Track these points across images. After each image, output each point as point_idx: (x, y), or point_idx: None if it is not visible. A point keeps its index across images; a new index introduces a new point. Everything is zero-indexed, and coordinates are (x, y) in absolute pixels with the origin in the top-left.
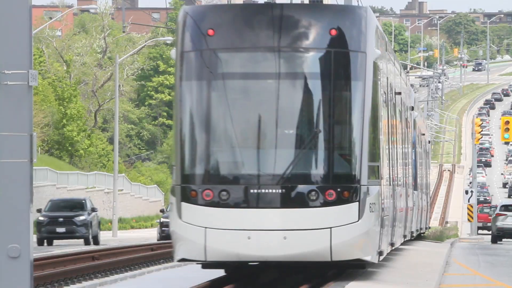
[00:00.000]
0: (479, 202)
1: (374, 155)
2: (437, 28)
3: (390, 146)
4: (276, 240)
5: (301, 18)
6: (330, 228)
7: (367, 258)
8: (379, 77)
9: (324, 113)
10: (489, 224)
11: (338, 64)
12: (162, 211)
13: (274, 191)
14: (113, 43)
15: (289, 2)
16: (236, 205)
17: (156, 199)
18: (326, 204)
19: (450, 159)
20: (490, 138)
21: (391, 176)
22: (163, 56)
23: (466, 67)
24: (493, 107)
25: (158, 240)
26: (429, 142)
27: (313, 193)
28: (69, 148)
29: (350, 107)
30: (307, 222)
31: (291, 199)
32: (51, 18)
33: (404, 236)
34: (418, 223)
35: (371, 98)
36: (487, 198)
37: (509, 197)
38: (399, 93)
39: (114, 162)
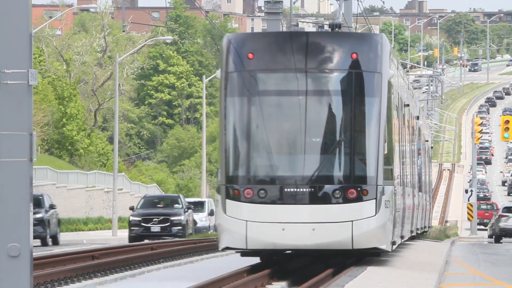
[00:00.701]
0: (478, 198)
1: (388, 160)
2: (437, 27)
3: (401, 152)
4: (306, 231)
5: (326, 44)
6: (352, 221)
7: (383, 246)
8: (392, 93)
9: (346, 124)
10: (486, 221)
11: (358, 83)
12: (132, 208)
13: (304, 190)
14: (113, 42)
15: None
16: (272, 202)
17: None
18: (348, 201)
19: (450, 158)
20: (489, 136)
21: (401, 178)
22: (163, 55)
23: (466, 66)
24: (494, 105)
25: (129, 242)
26: (432, 147)
27: (337, 191)
28: (69, 147)
29: (368, 119)
30: (332, 216)
31: (318, 197)
32: (51, 17)
33: (411, 232)
34: (422, 221)
35: (386, 112)
36: (487, 195)
37: (508, 194)
38: (408, 105)
39: (114, 161)
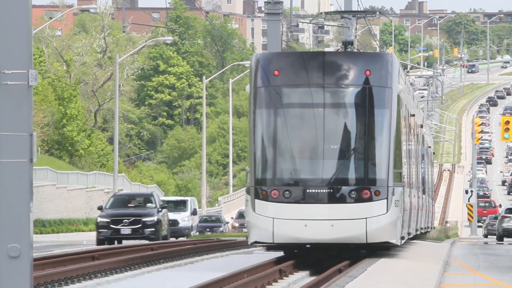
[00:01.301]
0: (478, 196)
1: (398, 164)
2: (437, 28)
3: (408, 157)
4: (326, 227)
5: (343, 62)
6: (366, 218)
7: (393, 241)
8: (400, 106)
9: (360, 133)
10: (484, 218)
11: (371, 96)
12: (100, 208)
13: (323, 191)
14: (113, 43)
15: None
16: (296, 201)
17: None
18: (362, 200)
19: (450, 159)
20: (489, 136)
21: (408, 181)
22: (163, 56)
23: (466, 67)
24: (495, 104)
25: (97, 244)
26: (434, 153)
27: (352, 192)
28: (69, 148)
29: (380, 128)
30: (349, 213)
31: (336, 197)
32: (51, 18)
33: (416, 230)
34: (426, 221)
35: (395, 122)
36: (486, 193)
37: (508, 194)
38: (413, 115)
39: (114, 162)
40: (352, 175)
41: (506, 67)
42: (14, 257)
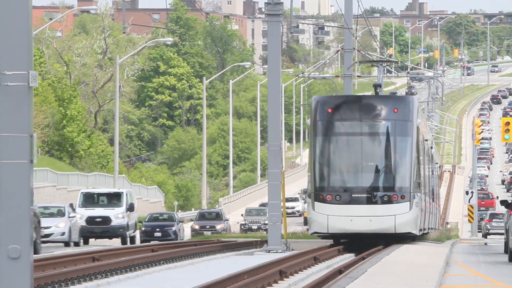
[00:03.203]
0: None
1: (417, 176)
2: (438, 29)
3: (423, 171)
4: (365, 221)
5: (378, 103)
6: (395, 215)
7: (415, 232)
8: (419, 134)
9: (390, 153)
10: (482, 209)
11: (398, 128)
12: (71, 205)
13: (364, 195)
14: (113, 44)
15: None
16: (344, 203)
17: (156, 199)
18: (392, 202)
19: (451, 160)
20: (489, 133)
21: (423, 189)
22: (163, 57)
23: (467, 68)
24: (499, 102)
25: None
26: (440, 166)
27: (385, 196)
28: (69, 149)
29: (404, 150)
30: (382, 212)
31: (373, 200)
32: (51, 19)
33: (428, 228)
34: (434, 222)
35: (415, 145)
36: (484, 188)
37: (507, 191)
38: (426, 140)
39: (114, 163)
40: (384, 184)
41: (494, 71)
42: (15, 258)
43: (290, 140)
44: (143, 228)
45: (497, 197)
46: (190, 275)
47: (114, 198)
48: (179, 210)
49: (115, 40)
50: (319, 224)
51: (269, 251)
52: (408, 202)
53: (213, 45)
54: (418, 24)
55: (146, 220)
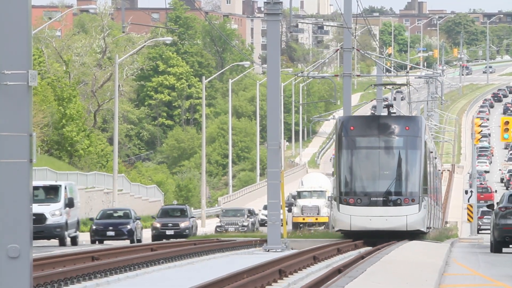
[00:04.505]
0: None
1: (425, 182)
2: (437, 28)
3: (429, 178)
4: (382, 220)
5: (392, 122)
6: (406, 215)
7: (423, 229)
8: (426, 147)
9: (402, 163)
10: (481, 202)
11: (409, 142)
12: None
13: (380, 199)
14: (112, 43)
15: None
16: (364, 205)
17: (155, 199)
18: (404, 204)
19: (450, 159)
20: (488, 129)
21: (429, 194)
22: (163, 56)
23: (466, 67)
24: (500, 100)
25: None
26: (442, 173)
27: (398, 200)
28: (69, 148)
29: (414, 161)
30: (396, 212)
31: (388, 202)
32: (50, 18)
33: (433, 227)
34: (437, 223)
35: (423, 157)
36: (483, 183)
37: (506, 189)
38: (432, 152)
39: (113, 162)
40: (397, 189)
41: (490, 72)
42: (14, 258)
43: (289, 140)
44: (94, 227)
45: (496, 191)
46: (189, 275)
47: (50, 193)
48: None
49: (115, 39)
50: (343, 223)
51: (268, 250)
52: (418, 204)
53: (212, 45)
54: (418, 24)
55: (97, 218)
